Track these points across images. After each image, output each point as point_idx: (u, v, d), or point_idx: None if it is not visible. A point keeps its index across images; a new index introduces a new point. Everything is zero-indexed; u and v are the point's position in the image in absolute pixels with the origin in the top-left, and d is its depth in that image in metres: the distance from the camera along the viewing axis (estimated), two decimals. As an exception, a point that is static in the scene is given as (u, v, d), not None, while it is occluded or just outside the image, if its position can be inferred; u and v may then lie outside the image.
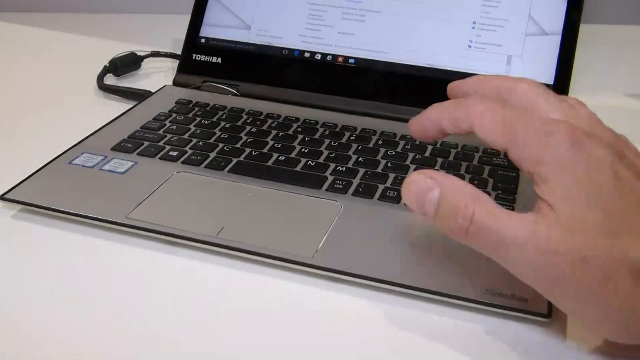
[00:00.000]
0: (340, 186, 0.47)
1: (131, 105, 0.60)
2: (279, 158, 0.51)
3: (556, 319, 0.36)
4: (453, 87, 0.39)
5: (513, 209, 0.44)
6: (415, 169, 0.49)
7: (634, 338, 0.31)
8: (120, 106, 0.61)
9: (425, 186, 0.33)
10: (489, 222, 0.31)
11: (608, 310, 0.30)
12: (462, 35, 0.58)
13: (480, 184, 0.48)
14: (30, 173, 0.48)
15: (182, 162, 0.50)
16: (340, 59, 0.61)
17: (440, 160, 0.51)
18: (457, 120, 0.34)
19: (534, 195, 0.32)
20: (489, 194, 0.46)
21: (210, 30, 0.65)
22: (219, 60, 0.64)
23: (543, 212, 0.31)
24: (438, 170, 0.34)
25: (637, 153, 0.34)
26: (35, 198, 0.45)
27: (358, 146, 0.53)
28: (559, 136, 0.31)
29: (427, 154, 0.52)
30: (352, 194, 0.46)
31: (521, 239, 0.30)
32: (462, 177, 0.48)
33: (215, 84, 0.64)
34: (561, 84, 0.56)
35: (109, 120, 0.56)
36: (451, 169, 0.49)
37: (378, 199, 0.46)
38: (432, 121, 0.36)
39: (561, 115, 0.34)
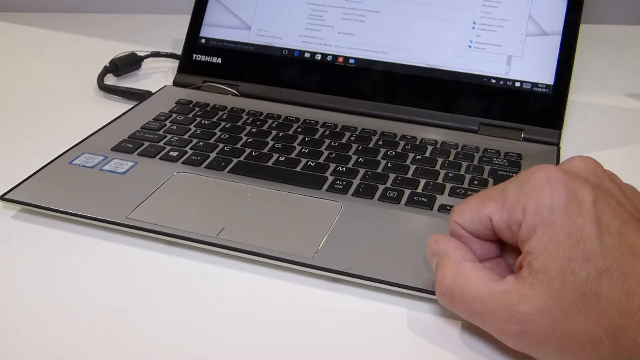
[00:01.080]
0: (341, 186, 0.47)
1: (131, 106, 0.60)
2: (279, 158, 0.51)
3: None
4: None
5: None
6: (415, 169, 0.49)
7: None
8: (120, 106, 0.62)
9: (430, 251, 0.36)
10: (464, 295, 0.33)
11: None
12: (462, 36, 0.58)
13: (480, 184, 0.48)
14: (31, 173, 0.48)
15: (182, 163, 0.50)
16: (340, 59, 0.61)
17: (440, 160, 0.51)
18: (478, 222, 0.35)
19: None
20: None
21: (210, 30, 0.65)
22: (219, 60, 0.64)
23: (523, 272, 0.31)
24: (445, 235, 0.36)
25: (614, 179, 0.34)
26: (35, 198, 0.45)
27: (358, 146, 0.53)
28: (540, 181, 0.32)
29: (427, 154, 0.52)
30: (352, 194, 0.46)
31: (496, 313, 0.31)
32: (462, 178, 0.48)
33: (215, 84, 0.64)
34: (561, 84, 0.56)
35: (109, 121, 0.56)
36: (451, 169, 0.49)
37: (378, 199, 0.46)
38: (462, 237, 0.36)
39: None
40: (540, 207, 0.31)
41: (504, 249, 0.36)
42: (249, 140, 0.53)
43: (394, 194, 0.46)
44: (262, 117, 0.58)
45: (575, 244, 0.30)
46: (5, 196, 0.45)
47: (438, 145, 0.53)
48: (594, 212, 0.30)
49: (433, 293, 0.37)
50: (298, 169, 0.49)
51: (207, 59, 0.65)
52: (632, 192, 0.34)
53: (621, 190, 0.33)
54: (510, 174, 0.49)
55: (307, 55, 0.62)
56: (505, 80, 0.57)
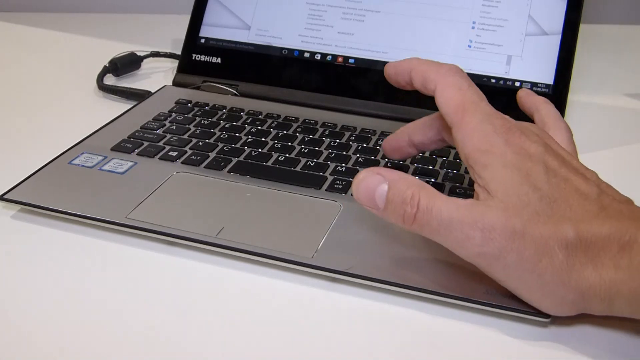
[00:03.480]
0: (340, 186, 0.47)
1: (131, 105, 0.60)
2: (279, 158, 0.51)
3: (556, 319, 0.36)
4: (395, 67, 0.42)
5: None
6: (415, 169, 0.49)
7: (571, 308, 0.34)
8: (120, 106, 0.61)
9: (375, 182, 0.36)
10: (433, 207, 0.34)
11: (543, 285, 0.33)
12: (462, 35, 0.58)
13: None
14: (30, 173, 0.48)
15: (182, 162, 0.50)
16: (340, 59, 0.61)
17: (440, 160, 0.51)
18: (426, 78, 0.39)
19: (472, 183, 0.36)
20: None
21: (210, 30, 0.65)
22: (219, 60, 0.64)
23: (481, 197, 0.34)
24: (384, 167, 0.38)
25: (559, 145, 0.37)
26: (35, 198, 0.45)
27: (358, 146, 0.53)
28: (501, 129, 0.35)
29: (427, 153, 0.52)
30: (352, 194, 0.46)
31: (462, 219, 0.33)
32: (462, 178, 0.48)
33: (215, 84, 0.64)
34: (561, 84, 0.56)
35: (108, 120, 0.56)
36: (451, 169, 0.49)
37: (378, 199, 0.46)
38: (406, 68, 0.40)
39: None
40: (490, 143, 0.35)
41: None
42: (249, 140, 0.53)
43: (393, 194, 0.46)
44: (261, 117, 0.58)
45: (525, 177, 0.33)
46: (4, 196, 0.45)
47: (438, 145, 0.53)
48: (542, 160, 0.34)
49: (433, 294, 0.37)
50: (298, 168, 0.49)
51: (207, 58, 0.65)
52: (572, 157, 0.37)
53: (562, 155, 0.36)
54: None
55: (306, 55, 0.62)
56: (505, 80, 0.57)
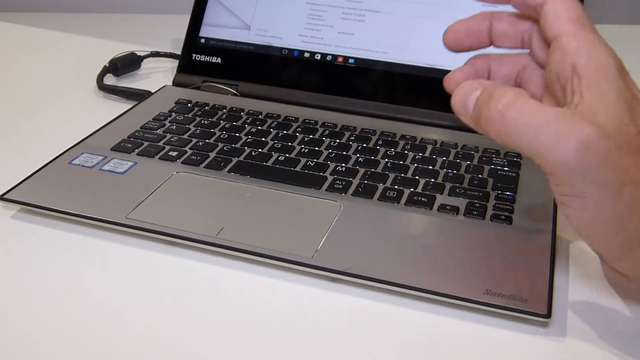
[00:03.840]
0: (340, 186, 0.47)
1: (131, 105, 0.60)
2: (279, 158, 0.51)
3: (556, 319, 0.36)
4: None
5: (513, 210, 0.44)
6: (414, 169, 0.49)
7: (628, 260, 0.33)
8: (120, 106, 0.61)
9: (471, 87, 0.34)
10: (522, 103, 0.32)
11: (619, 219, 0.31)
12: (462, 35, 0.58)
13: (480, 184, 0.48)
14: (30, 173, 0.48)
15: (182, 162, 0.50)
16: (340, 59, 0.61)
17: (440, 160, 0.51)
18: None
19: (564, 82, 0.33)
20: (488, 194, 0.46)
21: (210, 30, 0.65)
22: (219, 60, 0.64)
23: (579, 108, 0.32)
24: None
25: None
26: (35, 198, 0.45)
27: (358, 146, 0.53)
28: (615, 56, 0.33)
29: (427, 153, 0.52)
30: (352, 194, 0.46)
31: (560, 114, 0.31)
32: (462, 178, 0.48)
33: (215, 84, 0.64)
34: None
35: (109, 120, 0.56)
36: (451, 168, 0.49)
37: (378, 199, 0.46)
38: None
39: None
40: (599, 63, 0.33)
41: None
42: (249, 140, 0.53)
43: (393, 194, 0.46)
44: (261, 117, 0.58)
45: (629, 109, 0.32)
46: (4, 196, 0.45)
47: (437, 145, 0.53)
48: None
49: (433, 293, 0.37)
50: (298, 168, 0.49)
51: (207, 58, 0.65)
52: None
53: None
54: (510, 174, 0.49)
55: (306, 55, 0.62)
56: (505, 80, 0.57)
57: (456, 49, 0.39)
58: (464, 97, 0.34)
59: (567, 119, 0.31)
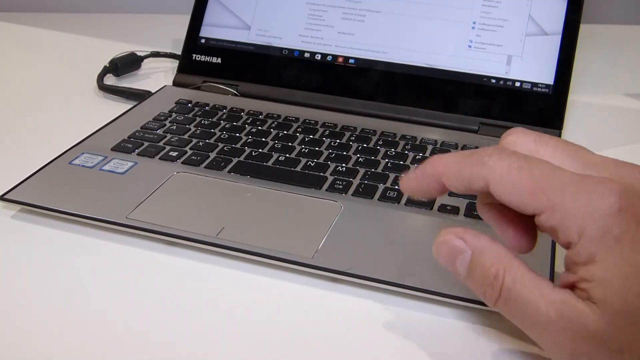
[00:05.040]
0: (340, 186, 0.47)
1: (131, 106, 0.60)
2: (279, 158, 0.51)
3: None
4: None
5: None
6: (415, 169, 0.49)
7: None
8: (120, 106, 0.61)
9: (457, 248, 0.32)
10: (517, 296, 0.29)
11: None
12: (462, 35, 0.58)
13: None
14: (30, 173, 0.48)
15: (182, 162, 0.50)
16: (340, 59, 0.61)
17: (440, 160, 0.51)
18: (467, 178, 0.31)
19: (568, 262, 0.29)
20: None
21: (210, 30, 0.65)
22: (219, 60, 0.64)
23: (579, 290, 0.29)
24: (466, 228, 0.32)
25: None
26: (35, 198, 0.45)
27: (358, 146, 0.53)
28: (605, 199, 0.28)
29: (427, 153, 0.52)
30: (352, 194, 0.46)
31: (552, 320, 0.28)
32: (462, 177, 0.48)
33: (215, 84, 0.64)
34: (561, 84, 0.56)
35: (109, 121, 0.56)
36: (451, 169, 0.49)
37: (378, 199, 0.46)
38: (431, 177, 0.32)
39: (594, 170, 0.30)
40: (606, 235, 0.28)
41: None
42: (249, 140, 0.53)
43: (393, 194, 0.46)
44: (262, 117, 0.58)
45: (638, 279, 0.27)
46: (5, 196, 0.45)
47: (438, 145, 0.53)
48: None
49: (433, 293, 0.37)
50: (298, 168, 0.49)
51: (207, 59, 0.65)
52: None
53: None
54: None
55: (307, 55, 0.62)
56: (505, 80, 0.57)
57: (413, 196, 0.36)
58: (451, 257, 0.32)
59: (562, 309, 0.28)
